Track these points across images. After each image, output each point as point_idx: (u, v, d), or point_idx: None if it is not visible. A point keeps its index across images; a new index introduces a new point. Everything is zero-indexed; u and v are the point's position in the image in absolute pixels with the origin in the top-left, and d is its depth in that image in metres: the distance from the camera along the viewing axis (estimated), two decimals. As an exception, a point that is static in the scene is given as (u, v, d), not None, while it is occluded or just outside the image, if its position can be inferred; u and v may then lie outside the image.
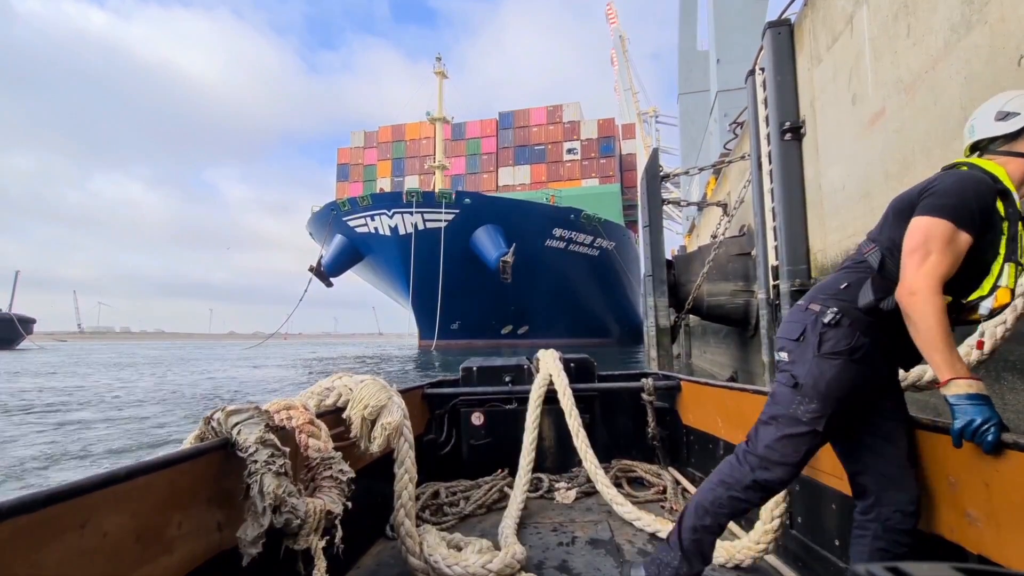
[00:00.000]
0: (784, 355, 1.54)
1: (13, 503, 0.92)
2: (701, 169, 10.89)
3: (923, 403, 3.38)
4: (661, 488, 2.84)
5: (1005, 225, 1.36)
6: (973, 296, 1.39)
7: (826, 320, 1.47)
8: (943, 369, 1.26)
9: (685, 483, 2.93)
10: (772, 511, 1.81)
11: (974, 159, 1.49)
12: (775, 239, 5.75)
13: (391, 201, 26.41)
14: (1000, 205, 1.36)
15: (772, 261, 5.89)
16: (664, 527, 2.25)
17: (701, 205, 11.91)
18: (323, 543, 1.56)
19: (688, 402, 3.05)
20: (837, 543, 1.66)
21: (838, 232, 4.68)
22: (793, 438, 1.46)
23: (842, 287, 1.51)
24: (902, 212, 1.46)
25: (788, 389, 1.48)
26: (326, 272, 28.11)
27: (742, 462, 1.53)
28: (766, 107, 5.90)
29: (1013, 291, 1.36)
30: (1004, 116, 1.47)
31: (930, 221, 1.35)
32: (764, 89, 5.95)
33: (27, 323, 57.44)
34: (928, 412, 3.25)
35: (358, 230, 27.57)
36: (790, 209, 5.44)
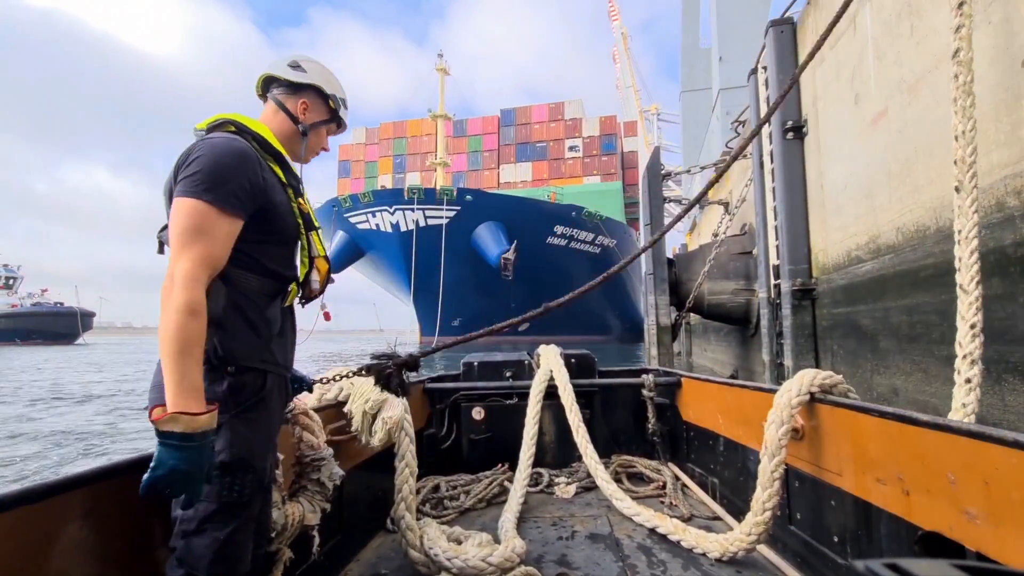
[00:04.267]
0: None
1: (15, 494, 0.93)
2: (703, 167, 10.87)
3: (922, 403, 3.39)
4: (661, 484, 2.85)
5: (291, 192, 1.31)
6: (303, 275, 1.34)
7: (231, 369, 1.17)
8: (188, 400, 1.03)
9: (685, 479, 2.94)
10: (763, 503, 1.81)
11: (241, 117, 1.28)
12: (776, 238, 5.74)
13: (393, 198, 26.38)
14: (278, 170, 1.29)
15: (773, 260, 5.89)
16: (663, 522, 2.26)
17: (703, 203, 11.89)
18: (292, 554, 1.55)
19: (688, 398, 3.06)
20: (837, 539, 1.67)
21: (840, 232, 4.68)
22: (240, 529, 1.17)
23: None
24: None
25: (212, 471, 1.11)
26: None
27: None
28: (768, 106, 5.89)
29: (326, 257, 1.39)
30: (296, 66, 1.40)
31: (185, 202, 1.11)
32: (766, 87, 5.94)
33: (87, 317, 55.89)
34: (928, 411, 3.25)
35: (360, 226, 27.58)
36: (792, 208, 5.44)
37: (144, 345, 52.65)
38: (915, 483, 1.30)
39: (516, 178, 44.05)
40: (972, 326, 1.74)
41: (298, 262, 1.37)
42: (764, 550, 2.02)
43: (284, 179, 1.32)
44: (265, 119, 1.37)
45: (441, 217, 25.95)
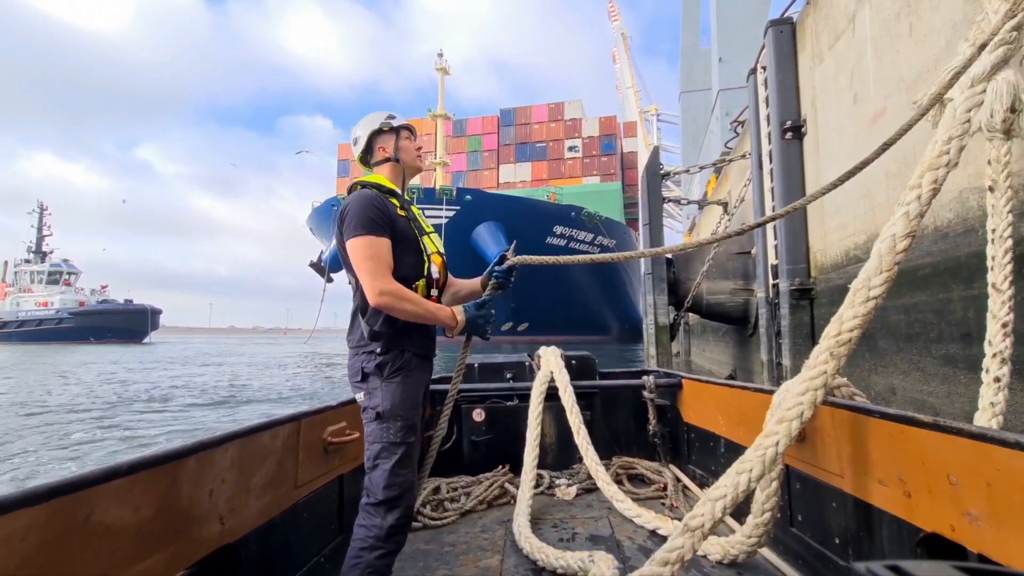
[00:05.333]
0: (359, 396, 1.68)
1: (16, 496, 0.93)
2: (702, 167, 10.88)
3: (920, 403, 3.40)
4: (662, 485, 2.85)
5: (404, 215, 1.76)
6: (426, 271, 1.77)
7: (377, 351, 1.66)
8: (448, 318, 1.70)
9: (686, 480, 2.94)
10: (763, 504, 1.81)
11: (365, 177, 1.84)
12: (775, 238, 5.75)
13: (391, 197, 26.43)
14: (396, 202, 1.76)
15: (772, 260, 5.90)
16: (664, 524, 2.26)
17: (702, 203, 11.91)
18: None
19: (689, 400, 3.06)
20: (838, 541, 1.67)
21: (838, 231, 4.69)
22: (400, 463, 1.58)
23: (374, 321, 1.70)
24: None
25: (374, 424, 1.61)
26: (328, 268, 28.23)
27: (372, 516, 1.55)
28: (767, 106, 5.89)
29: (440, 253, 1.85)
30: (354, 141, 1.90)
31: (353, 241, 1.64)
32: (766, 88, 5.94)
33: (156, 315, 53.13)
34: (927, 411, 3.27)
35: None
36: (791, 208, 5.45)
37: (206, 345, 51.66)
38: (916, 484, 1.30)
39: (516, 178, 44.07)
40: (1004, 324, 1.76)
41: (426, 261, 1.77)
42: (765, 552, 2.01)
43: (399, 205, 1.77)
44: (380, 171, 1.86)
45: (441, 217, 25.95)
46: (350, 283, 1.76)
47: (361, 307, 1.69)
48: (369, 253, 1.61)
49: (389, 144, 1.85)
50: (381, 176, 1.82)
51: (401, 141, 1.86)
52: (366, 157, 1.89)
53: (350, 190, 1.79)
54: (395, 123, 1.86)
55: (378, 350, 1.65)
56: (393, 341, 1.67)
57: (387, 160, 1.85)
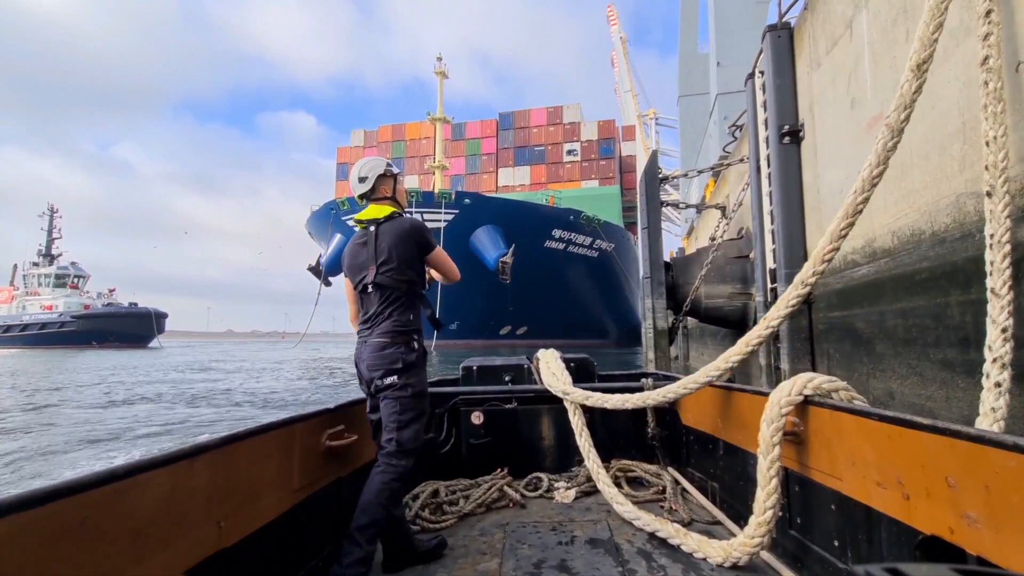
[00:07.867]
0: (392, 379, 2.11)
1: (12, 500, 0.92)
2: (700, 171, 10.90)
3: (918, 407, 3.40)
4: (660, 488, 2.85)
5: None
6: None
7: (415, 346, 2.20)
8: None
9: (684, 483, 2.94)
10: (764, 502, 1.81)
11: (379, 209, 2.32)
12: (773, 242, 5.76)
13: (390, 201, 26.38)
14: None
15: (770, 264, 5.91)
16: (663, 527, 2.25)
17: (700, 207, 11.93)
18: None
19: (688, 402, 3.06)
20: (836, 543, 1.67)
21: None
22: (422, 426, 2.18)
23: (410, 319, 2.23)
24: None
25: (411, 398, 2.12)
26: (327, 271, 28.13)
27: (400, 459, 2.05)
28: (765, 110, 5.92)
29: None
30: (362, 179, 2.31)
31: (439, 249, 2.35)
32: (763, 92, 5.97)
33: (161, 319, 51.92)
34: (924, 414, 3.26)
35: (357, 229, 27.52)
36: (788, 212, 5.46)
37: (211, 348, 50.70)
38: (915, 487, 1.30)
39: (514, 181, 44.17)
40: (1004, 330, 1.76)
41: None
42: (765, 555, 2.01)
43: None
44: (384, 204, 2.35)
45: (439, 220, 25.96)
46: (401, 278, 2.23)
47: (410, 303, 2.25)
48: (447, 255, 2.39)
49: (389, 185, 2.35)
50: (395, 207, 2.35)
51: (398, 185, 2.39)
52: (368, 192, 2.31)
53: (389, 217, 2.27)
54: (394, 170, 2.37)
55: (415, 345, 2.19)
56: (422, 338, 2.26)
57: (387, 198, 2.33)
